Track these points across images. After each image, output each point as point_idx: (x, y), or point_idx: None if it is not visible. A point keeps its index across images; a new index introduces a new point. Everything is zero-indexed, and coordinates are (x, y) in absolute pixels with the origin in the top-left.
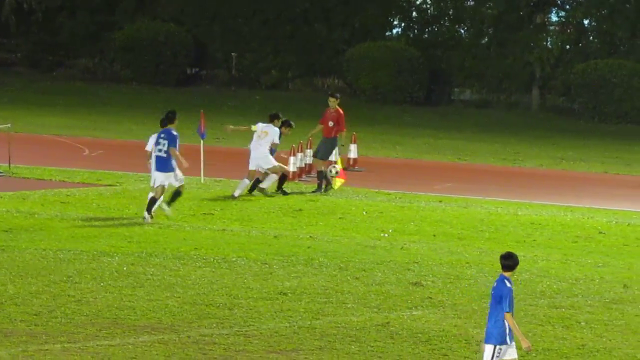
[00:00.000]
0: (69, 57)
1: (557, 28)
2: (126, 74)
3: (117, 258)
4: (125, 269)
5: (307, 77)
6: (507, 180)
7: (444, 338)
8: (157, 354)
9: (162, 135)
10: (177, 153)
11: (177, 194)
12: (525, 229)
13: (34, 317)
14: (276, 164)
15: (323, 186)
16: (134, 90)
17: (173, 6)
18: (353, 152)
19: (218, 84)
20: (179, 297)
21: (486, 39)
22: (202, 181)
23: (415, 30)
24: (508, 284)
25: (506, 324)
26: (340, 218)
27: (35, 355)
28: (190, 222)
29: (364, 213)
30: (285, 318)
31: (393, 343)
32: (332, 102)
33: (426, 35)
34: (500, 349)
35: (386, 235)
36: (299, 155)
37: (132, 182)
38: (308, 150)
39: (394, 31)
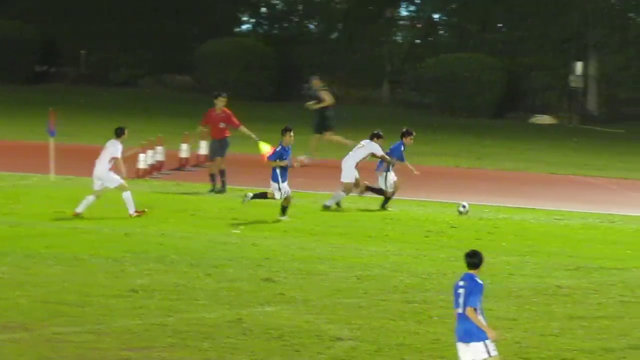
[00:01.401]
0: None
1: (407, 22)
2: None
3: None
4: None
5: (158, 74)
6: (360, 175)
7: (296, 334)
8: (9, 353)
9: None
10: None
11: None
12: (378, 223)
13: None
14: (349, 180)
15: (218, 186)
16: None
17: (21, 4)
18: (203, 148)
19: (68, 82)
20: (30, 296)
21: (336, 34)
22: (52, 179)
23: (265, 26)
24: (479, 281)
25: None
26: (191, 215)
27: None
28: (41, 220)
29: (215, 210)
30: (137, 315)
31: (245, 339)
32: (221, 102)
33: (276, 31)
34: (489, 343)
35: (238, 231)
36: (149, 152)
37: None
38: (159, 148)
39: (244, 27)
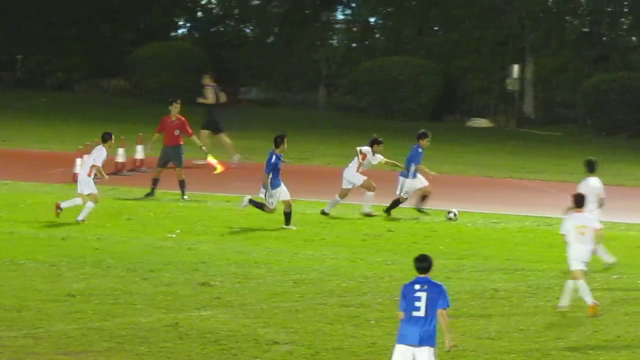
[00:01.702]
0: None
1: (343, 26)
2: None
3: None
4: None
5: (93, 78)
6: (295, 178)
7: (233, 338)
8: None
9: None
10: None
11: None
12: (314, 227)
13: None
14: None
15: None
16: None
17: None
18: (139, 153)
19: (4, 86)
20: None
21: (272, 38)
22: None
23: (201, 30)
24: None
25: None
26: (127, 219)
27: None
28: None
29: (151, 214)
30: (74, 320)
31: (182, 343)
32: (176, 109)
33: (212, 35)
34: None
35: (174, 235)
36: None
37: None
38: None
39: (180, 31)
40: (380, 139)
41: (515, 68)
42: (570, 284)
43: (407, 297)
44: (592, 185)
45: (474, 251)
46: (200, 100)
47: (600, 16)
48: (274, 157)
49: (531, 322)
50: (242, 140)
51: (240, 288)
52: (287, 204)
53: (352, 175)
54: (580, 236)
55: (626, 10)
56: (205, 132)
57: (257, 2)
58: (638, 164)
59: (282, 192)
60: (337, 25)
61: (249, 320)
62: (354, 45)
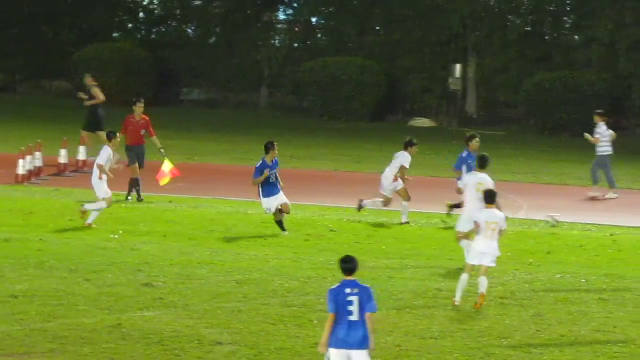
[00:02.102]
0: None
1: (285, 26)
2: None
3: None
4: None
5: (35, 79)
6: (237, 179)
7: (176, 339)
8: None
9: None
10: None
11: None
12: (257, 228)
13: None
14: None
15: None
16: None
17: None
18: (82, 154)
19: None
20: None
21: (214, 39)
22: None
23: (143, 31)
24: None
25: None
26: (70, 220)
27: None
28: None
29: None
30: (17, 321)
31: (125, 344)
32: (140, 108)
33: (154, 36)
34: None
35: (116, 236)
36: (28, 158)
37: None
38: (37, 153)
39: (122, 32)
40: (415, 141)
41: (458, 68)
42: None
43: (339, 302)
44: (477, 180)
45: (417, 251)
46: (90, 102)
47: (542, 15)
48: (260, 162)
49: (474, 322)
50: (184, 141)
51: (183, 289)
52: (278, 212)
53: (390, 183)
54: (489, 232)
55: (569, 9)
56: (102, 133)
57: (199, 2)
58: (581, 164)
59: (277, 201)
60: (279, 26)
61: (192, 321)
62: (296, 45)
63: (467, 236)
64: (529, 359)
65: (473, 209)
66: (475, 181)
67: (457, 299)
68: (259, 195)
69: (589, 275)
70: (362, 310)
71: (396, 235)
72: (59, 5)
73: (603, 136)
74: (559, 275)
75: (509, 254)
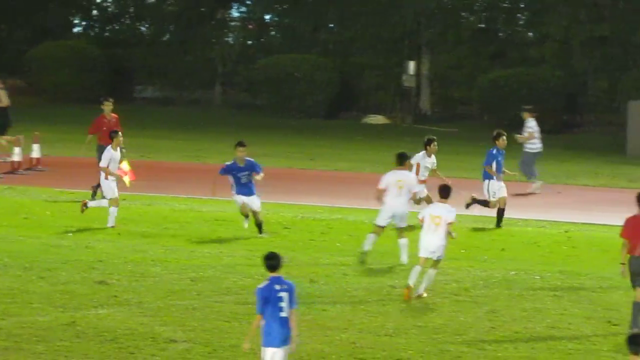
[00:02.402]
0: None
1: (238, 24)
2: None
3: None
4: None
5: None
6: (191, 176)
7: (130, 336)
8: None
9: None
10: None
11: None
12: (210, 225)
13: None
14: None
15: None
16: None
17: None
18: (36, 152)
19: None
20: None
21: (168, 36)
22: None
23: (97, 29)
24: (272, 285)
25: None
26: (25, 218)
27: None
28: None
29: (48, 213)
30: None
31: (79, 342)
32: (108, 107)
33: (107, 34)
34: None
35: (70, 234)
36: None
37: None
38: None
39: (76, 30)
40: (433, 137)
41: (411, 65)
42: (417, 268)
43: (271, 299)
44: (396, 177)
45: (371, 248)
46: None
47: (496, 12)
48: (230, 162)
49: (429, 319)
50: (138, 139)
51: (137, 286)
52: (255, 214)
53: (415, 185)
54: (433, 226)
55: (522, 5)
56: (6, 137)
57: (152, 0)
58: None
59: (248, 202)
60: (233, 23)
61: (146, 319)
62: (249, 43)
63: (377, 231)
64: (483, 356)
65: (391, 206)
66: (395, 179)
67: (410, 283)
68: (232, 191)
69: (544, 272)
70: (288, 307)
71: (350, 232)
72: (12, 3)
73: (534, 132)
74: (513, 272)
75: (463, 250)
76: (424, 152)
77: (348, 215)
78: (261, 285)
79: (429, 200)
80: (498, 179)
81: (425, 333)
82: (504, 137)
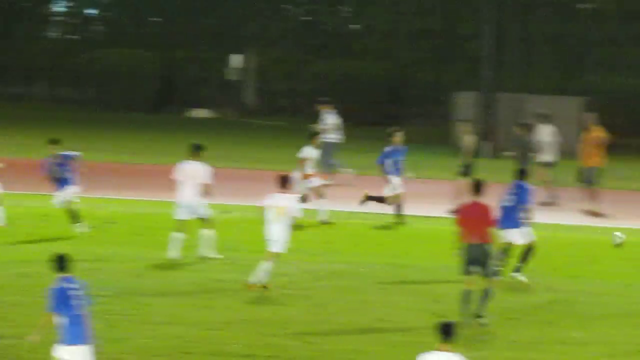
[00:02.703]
0: None
1: (62, 18)
2: None
3: None
4: None
5: None
6: (13, 171)
7: None
8: None
9: None
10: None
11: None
12: (34, 220)
13: None
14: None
15: None
16: None
17: None
18: None
19: None
20: None
21: None
22: None
23: None
24: (63, 285)
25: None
26: None
27: None
28: None
29: None
30: None
31: None
32: None
33: None
34: None
35: None
36: None
37: None
38: None
39: None
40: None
41: (234, 58)
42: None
43: (64, 298)
44: (190, 169)
45: (194, 242)
46: None
47: (320, 5)
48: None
49: (255, 312)
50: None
51: None
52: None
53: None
54: (277, 217)
55: None
56: None
57: None
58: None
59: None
60: (56, 18)
61: None
62: (73, 37)
63: (180, 228)
64: (310, 349)
65: (184, 198)
66: (189, 170)
67: (262, 281)
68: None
69: (370, 265)
70: (83, 304)
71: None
72: None
73: (330, 124)
74: (340, 265)
75: (292, 244)
76: (310, 146)
77: (173, 209)
78: (54, 286)
79: (318, 194)
80: (389, 176)
81: (251, 326)
82: (399, 133)
